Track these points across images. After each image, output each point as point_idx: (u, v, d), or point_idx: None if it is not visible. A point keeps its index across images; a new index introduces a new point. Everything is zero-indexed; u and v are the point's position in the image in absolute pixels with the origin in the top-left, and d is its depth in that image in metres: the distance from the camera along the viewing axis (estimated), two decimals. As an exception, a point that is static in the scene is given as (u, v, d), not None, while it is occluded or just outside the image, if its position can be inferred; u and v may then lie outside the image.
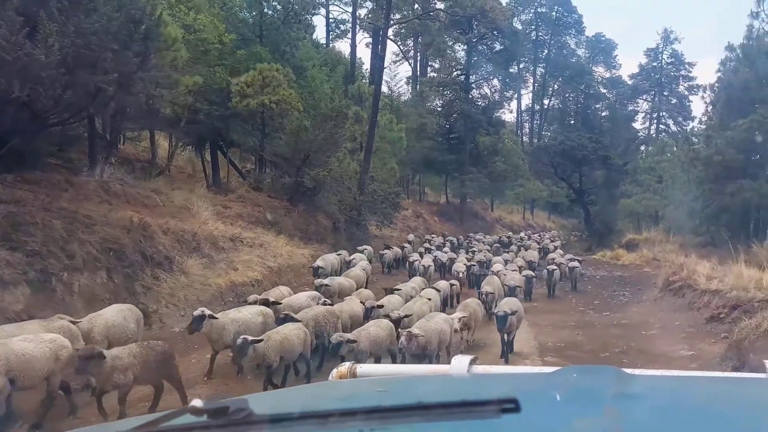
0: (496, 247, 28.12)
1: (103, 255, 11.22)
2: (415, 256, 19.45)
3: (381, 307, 10.49)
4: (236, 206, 19.42)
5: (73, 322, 7.80)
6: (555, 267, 18.20)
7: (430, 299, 11.63)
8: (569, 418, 1.15)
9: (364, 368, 2.31)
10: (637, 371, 1.79)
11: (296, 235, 20.48)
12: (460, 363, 1.99)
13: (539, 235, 39.45)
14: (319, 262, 16.01)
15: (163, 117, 17.79)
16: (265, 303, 10.08)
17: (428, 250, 22.46)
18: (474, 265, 18.43)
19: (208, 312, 8.64)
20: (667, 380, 1.79)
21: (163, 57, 14.05)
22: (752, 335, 9.36)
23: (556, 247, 25.33)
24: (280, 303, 10.34)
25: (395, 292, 12.16)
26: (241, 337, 7.90)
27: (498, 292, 13.72)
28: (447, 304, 13.68)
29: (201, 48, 18.58)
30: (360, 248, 19.78)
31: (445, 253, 21.35)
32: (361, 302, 10.92)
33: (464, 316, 10.19)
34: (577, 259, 20.50)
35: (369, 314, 10.23)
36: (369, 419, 0.91)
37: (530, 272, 17.73)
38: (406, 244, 24.44)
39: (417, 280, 14.63)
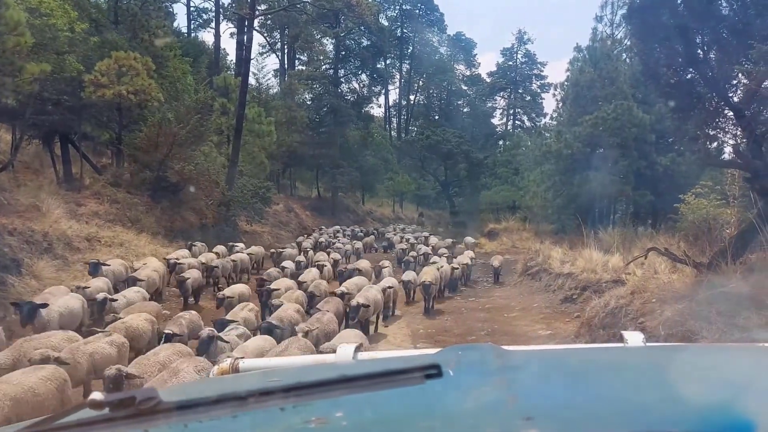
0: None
1: (-65, 260, 10.06)
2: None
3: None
4: (92, 203, 18.13)
5: None
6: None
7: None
8: (472, 386, 1.21)
9: (247, 363, 2.27)
10: (510, 347, 1.91)
11: (160, 233, 19.49)
12: (345, 351, 2.01)
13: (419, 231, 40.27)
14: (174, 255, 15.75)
15: (5, 107, 16.19)
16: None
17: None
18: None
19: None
20: (538, 353, 1.94)
21: (5, 42, 12.83)
22: (601, 313, 10.14)
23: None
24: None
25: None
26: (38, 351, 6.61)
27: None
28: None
29: (49, 34, 17.06)
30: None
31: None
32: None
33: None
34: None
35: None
36: (287, 396, 0.88)
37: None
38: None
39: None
